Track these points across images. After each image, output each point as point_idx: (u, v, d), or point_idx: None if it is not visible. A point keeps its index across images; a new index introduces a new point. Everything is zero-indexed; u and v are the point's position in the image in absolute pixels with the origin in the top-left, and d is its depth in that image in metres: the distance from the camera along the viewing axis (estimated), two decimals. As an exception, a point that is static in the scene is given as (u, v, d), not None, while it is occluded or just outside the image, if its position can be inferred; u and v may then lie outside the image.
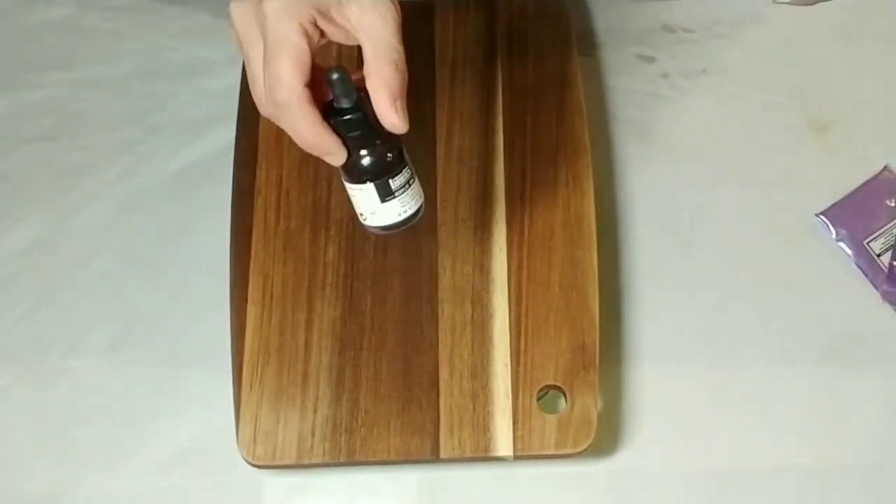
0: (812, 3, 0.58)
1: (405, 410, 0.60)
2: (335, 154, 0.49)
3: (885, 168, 0.71)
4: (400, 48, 0.46)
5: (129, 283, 0.69)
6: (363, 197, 0.52)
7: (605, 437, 0.63)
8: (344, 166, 0.50)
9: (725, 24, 0.78)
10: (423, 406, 0.60)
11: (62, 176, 0.73)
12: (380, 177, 0.51)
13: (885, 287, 0.67)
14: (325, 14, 0.46)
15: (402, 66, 0.46)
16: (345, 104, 0.47)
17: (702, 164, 0.72)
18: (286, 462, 0.59)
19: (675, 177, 0.72)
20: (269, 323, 0.62)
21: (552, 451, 0.58)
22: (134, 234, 0.71)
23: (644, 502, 0.63)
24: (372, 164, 0.50)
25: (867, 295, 0.68)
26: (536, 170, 0.66)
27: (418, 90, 0.69)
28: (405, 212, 0.52)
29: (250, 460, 0.59)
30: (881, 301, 0.68)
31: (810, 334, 0.67)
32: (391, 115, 0.46)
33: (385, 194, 0.51)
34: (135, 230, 0.71)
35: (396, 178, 0.51)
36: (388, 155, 0.50)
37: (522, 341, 0.61)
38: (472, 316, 0.62)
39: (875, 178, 0.71)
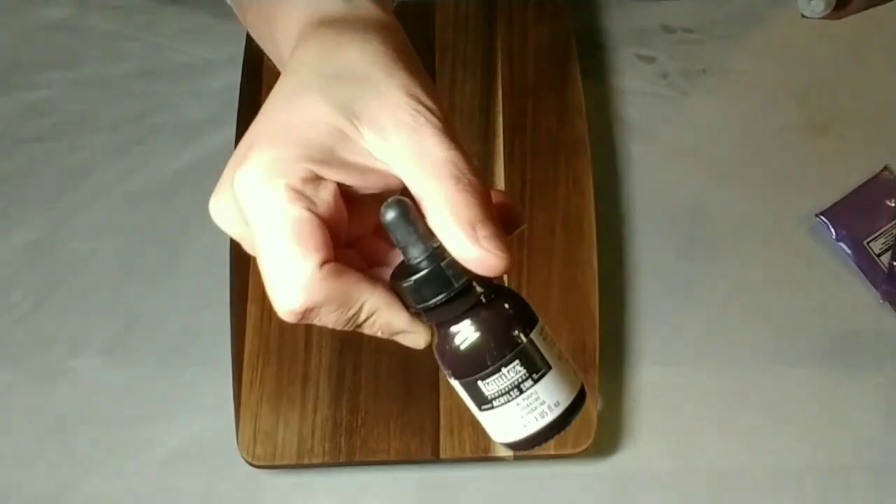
0: (840, 18, 0.56)
1: (405, 410, 0.60)
2: (410, 333, 0.35)
3: (885, 168, 0.71)
4: (461, 157, 0.33)
5: (129, 283, 0.69)
6: (462, 397, 0.36)
7: (605, 437, 0.63)
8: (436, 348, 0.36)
9: (725, 24, 0.78)
10: (422, 406, 0.60)
11: (62, 176, 0.73)
12: (465, 374, 0.35)
13: (885, 287, 0.67)
14: (326, 161, 0.32)
15: (474, 181, 0.32)
16: (413, 253, 0.33)
17: (702, 164, 0.72)
18: (286, 462, 0.59)
19: (675, 177, 0.72)
20: (269, 323, 0.62)
21: (552, 451, 0.58)
22: (134, 234, 0.71)
23: (644, 502, 0.63)
24: (456, 351, 0.35)
25: (867, 295, 0.68)
26: (536, 170, 0.66)
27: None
28: (525, 428, 0.35)
29: (250, 460, 0.59)
30: (881, 301, 0.67)
31: (810, 334, 0.67)
32: (470, 248, 0.31)
33: (480, 401, 0.35)
34: (135, 230, 0.71)
35: (493, 377, 0.34)
36: (481, 332, 0.34)
37: (522, 341, 0.61)
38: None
39: (875, 178, 0.71)
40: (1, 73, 0.77)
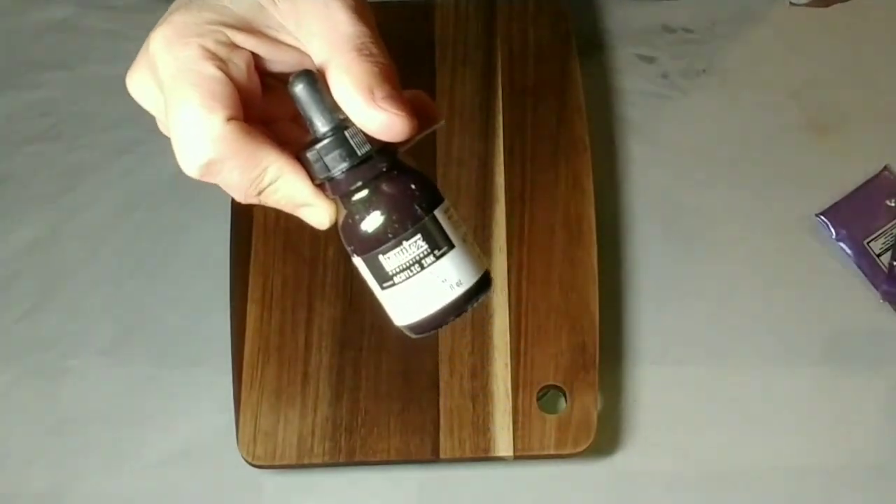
0: (828, 5, 0.56)
1: (405, 410, 0.60)
2: (313, 206, 0.35)
3: (885, 168, 0.71)
4: (367, 32, 0.34)
5: (129, 283, 0.69)
6: (365, 278, 0.36)
7: (605, 437, 0.63)
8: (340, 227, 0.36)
9: (725, 24, 0.78)
10: (423, 406, 0.60)
11: (62, 176, 0.73)
12: (367, 249, 0.35)
13: (885, 287, 0.67)
14: (246, 28, 0.34)
15: (376, 52, 0.33)
16: (319, 125, 0.33)
17: (702, 164, 0.72)
18: (286, 462, 0.59)
19: (676, 177, 0.72)
20: (269, 323, 0.62)
21: (552, 451, 0.58)
22: (134, 234, 0.71)
23: (644, 502, 0.63)
24: (358, 224, 0.34)
25: (867, 295, 0.68)
26: (536, 170, 0.66)
27: (418, 90, 0.69)
28: (427, 306, 0.35)
29: (250, 460, 0.59)
30: (881, 301, 0.67)
31: (810, 334, 0.67)
32: (371, 113, 0.32)
33: (381, 278, 0.35)
34: (135, 230, 0.71)
35: (394, 251, 0.34)
36: (383, 203, 0.34)
37: (522, 341, 0.61)
38: (472, 316, 0.62)
39: (875, 178, 0.71)
40: (1, 73, 0.77)
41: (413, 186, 0.34)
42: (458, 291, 0.35)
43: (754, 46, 0.77)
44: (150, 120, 0.75)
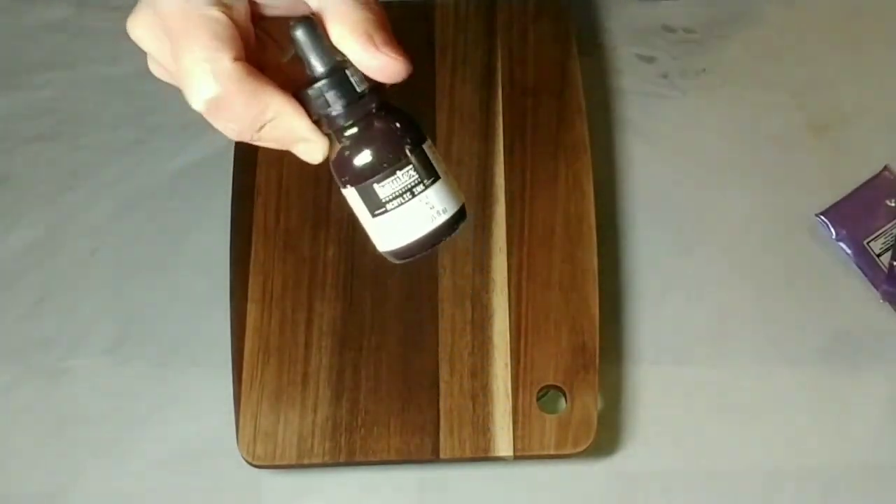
0: None
1: (405, 410, 0.60)
2: (309, 141, 0.38)
3: (885, 168, 0.71)
4: None
5: (129, 283, 0.69)
6: (355, 208, 0.39)
7: (605, 437, 0.63)
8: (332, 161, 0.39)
9: (725, 24, 0.78)
10: (423, 406, 0.60)
11: (62, 176, 0.73)
12: (362, 178, 0.37)
13: (885, 287, 0.67)
14: None
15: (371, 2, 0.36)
16: (318, 66, 0.36)
17: (702, 164, 0.72)
18: (286, 462, 0.59)
19: (676, 177, 0.72)
20: (269, 323, 0.62)
21: (552, 451, 0.58)
22: (134, 234, 0.71)
23: (644, 502, 0.63)
24: (354, 156, 0.37)
25: (867, 295, 0.68)
26: (536, 170, 0.66)
27: (418, 90, 0.69)
28: (415, 231, 0.38)
29: (250, 460, 0.59)
30: (881, 301, 0.68)
31: (810, 334, 0.67)
32: (372, 56, 0.35)
33: (374, 206, 0.38)
34: (135, 230, 0.71)
35: (388, 180, 0.37)
36: (380, 136, 0.37)
37: (522, 341, 0.61)
38: (472, 316, 0.62)
39: (875, 178, 0.71)
40: (1, 73, 0.77)
41: (404, 121, 0.38)
42: (443, 218, 0.38)
43: (754, 46, 0.77)
44: (149, 120, 0.75)
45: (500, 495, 0.63)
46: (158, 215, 0.72)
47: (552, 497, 0.63)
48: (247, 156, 0.68)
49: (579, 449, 0.58)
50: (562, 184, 0.66)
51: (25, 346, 0.68)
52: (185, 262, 0.70)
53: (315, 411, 0.60)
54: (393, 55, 0.35)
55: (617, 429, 0.64)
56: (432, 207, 0.38)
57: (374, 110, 0.37)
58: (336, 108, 0.36)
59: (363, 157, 0.37)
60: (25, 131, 0.75)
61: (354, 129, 0.37)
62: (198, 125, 0.77)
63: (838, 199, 0.70)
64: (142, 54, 0.81)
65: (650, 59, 0.77)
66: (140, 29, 0.37)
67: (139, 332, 0.68)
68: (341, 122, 0.37)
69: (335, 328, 0.62)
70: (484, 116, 0.68)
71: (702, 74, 0.76)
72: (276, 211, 0.66)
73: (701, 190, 0.72)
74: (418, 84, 0.69)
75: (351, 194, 0.38)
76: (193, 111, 0.78)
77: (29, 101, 0.76)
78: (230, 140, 0.69)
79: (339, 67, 0.36)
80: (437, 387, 0.60)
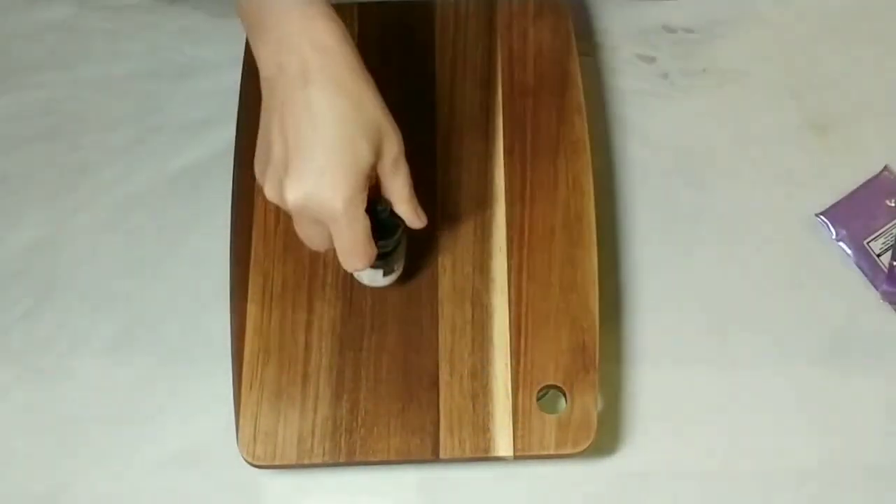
0: None
1: (405, 410, 0.60)
2: (368, 265, 0.54)
3: (885, 168, 0.71)
4: (406, 178, 0.54)
5: (129, 283, 0.69)
6: (368, 273, 0.59)
7: (605, 437, 0.63)
8: None
9: (725, 24, 0.78)
10: (423, 406, 0.60)
11: (62, 176, 0.73)
12: (389, 264, 0.59)
13: (885, 287, 0.67)
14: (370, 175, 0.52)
15: (405, 167, 0.53)
16: (389, 238, 0.55)
17: (702, 164, 0.73)
18: (286, 462, 0.59)
19: (676, 177, 0.72)
20: (269, 323, 0.62)
21: (552, 451, 0.58)
22: (134, 234, 0.71)
23: (644, 502, 0.63)
24: (387, 261, 0.58)
25: (867, 295, 0.68)
26: (536, 170, 0.66)
27: (418, 90, 0.69)
28: (394, 276, 0.61)
29: (250, 460, 0.59)
30: (881, 301, 0.68)
31: (810, 334, 0.67)
32: (415, 220, 0.55)
33: (387, 272, 0.60)
34: (135, 230, 0.71)
35: (399, 261, 0.60)
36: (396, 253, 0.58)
37: (522, 341, 0.61)
38: (472, 316, 0.62)
39: (875, 178, 0.71)
40: (1, 73, 0.77)
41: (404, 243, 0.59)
42: (398, 274, 0.61)
43: (754, 46, 0.77)
44: (149, 120, 0.75)
45: (500, 495, 0.63)
46: (158, 215, 0.72)
47: (552, 497, 0.63)
48: (247, 156, 0.67)
49: (579, 449, 0.58)
50: (562, 184, 0.66)
51: (25, 346, 0.68)
52: (185, 262, 0.70)
53: (315, 411, 0.60)
54: (424, 218, 0.55)
55: (617, 429, 0.64)
56: (395, 272, 0.60)
57: (398, 239, 0.57)
58: (390, 239, 0.56)
59: (382, 261, 0.58)
60: (25, 131, 0.75)
61: (385, 240, 0.56)
62: (198, 125, 0.77)
63: (838, 199, 0.70)
64: (141, 55, 0.81)
65: (650, 59, 0.77)
66: (348, 207, 0.51)
67: (139, 332, 0.68)
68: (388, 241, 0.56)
69: (335, 328, 0.62)
70: (484, 116, 0.68)
71: (702, 74, 0.76)
72: (276, 211, 0.66)
73: (701, 190, 0.72)
74: (419, 84, 0.70)
75: (368, 269, 0.57)
76: (193, 111, 0.79)
77: (29, 101, 0.76)
78: (230, 140, 0.70)
79: (401, 235, 0.57)
80: (437, 387, 0.60)
